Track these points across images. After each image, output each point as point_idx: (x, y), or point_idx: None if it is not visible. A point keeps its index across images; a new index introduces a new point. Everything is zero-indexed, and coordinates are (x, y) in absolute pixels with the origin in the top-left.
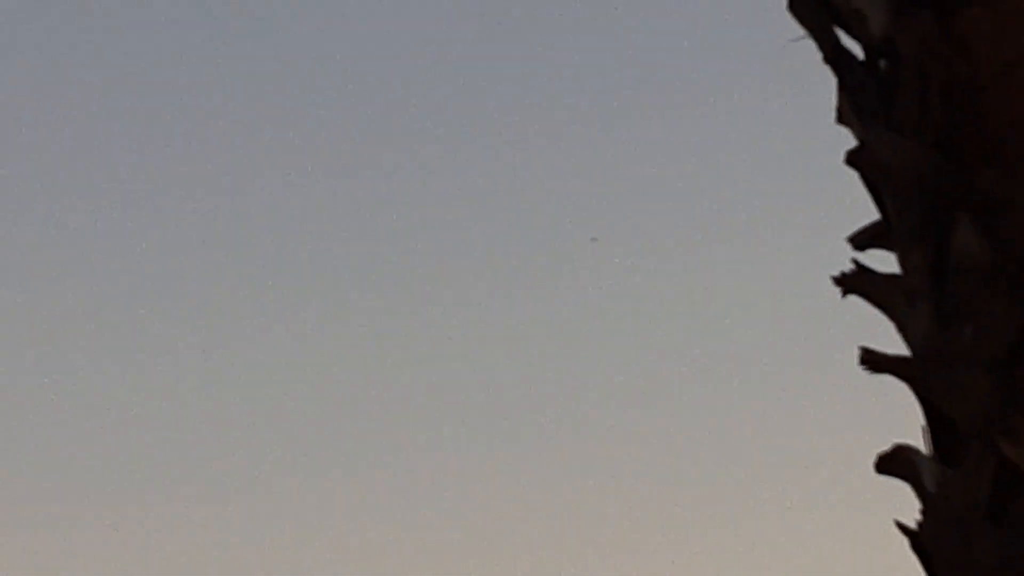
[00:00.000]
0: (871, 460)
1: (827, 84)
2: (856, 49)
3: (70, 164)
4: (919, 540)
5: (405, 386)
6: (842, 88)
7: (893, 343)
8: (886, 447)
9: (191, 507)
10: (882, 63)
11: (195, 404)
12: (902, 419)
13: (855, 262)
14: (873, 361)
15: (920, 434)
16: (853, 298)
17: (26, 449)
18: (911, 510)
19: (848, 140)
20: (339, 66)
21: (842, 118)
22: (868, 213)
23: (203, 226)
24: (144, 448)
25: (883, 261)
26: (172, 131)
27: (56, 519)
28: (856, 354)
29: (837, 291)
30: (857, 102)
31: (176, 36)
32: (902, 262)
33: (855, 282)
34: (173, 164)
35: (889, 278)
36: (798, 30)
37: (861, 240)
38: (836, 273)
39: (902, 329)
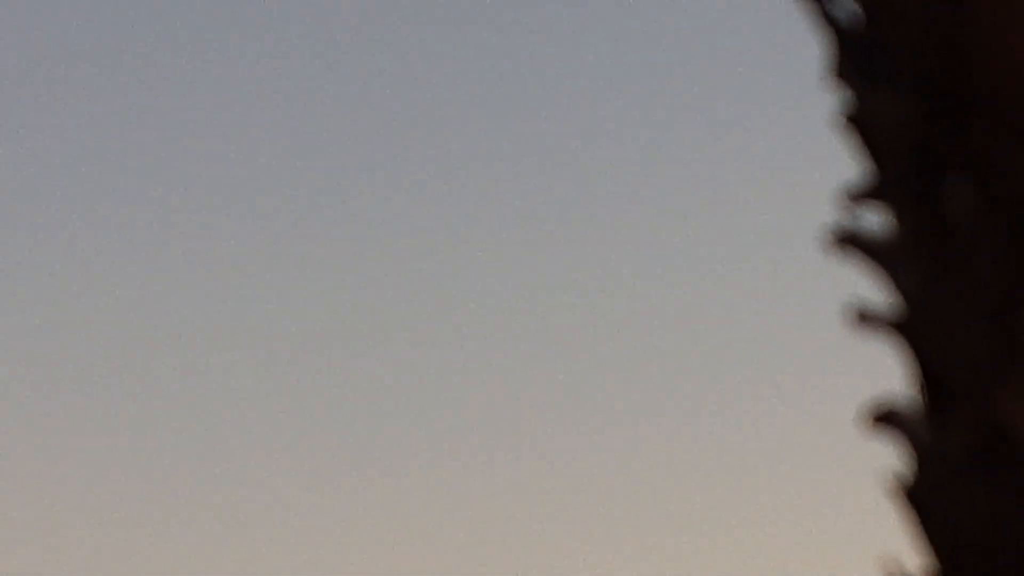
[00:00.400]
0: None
1: (818, 43)
2: (848, 5)
3: (70, 164)
4: (911, 498)
5: (405, 387)
6: (833, 46)
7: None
8: (870, 398)
9: (191, 507)
10: (872, 24)
11: (195, 404)
12: (890, 380)
13: (847, 220)
14: (867, 316)
15: (905, 397)
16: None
17: (26, 449)
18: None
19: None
20: (338, 66)
21: (833, 77)
22: (857, 174)
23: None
24: (144, 449)
25: (876, 220)
26: (171, 131)
27: (56, 519)
28: (842, 313)
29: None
30: (849, 59)
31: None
32: (895, 218)
33: (847, 238)
34: (172, 163)
35: (882, 234)
36: None
37: (856, 197)
38: (827, 229)
39: (895, 285)
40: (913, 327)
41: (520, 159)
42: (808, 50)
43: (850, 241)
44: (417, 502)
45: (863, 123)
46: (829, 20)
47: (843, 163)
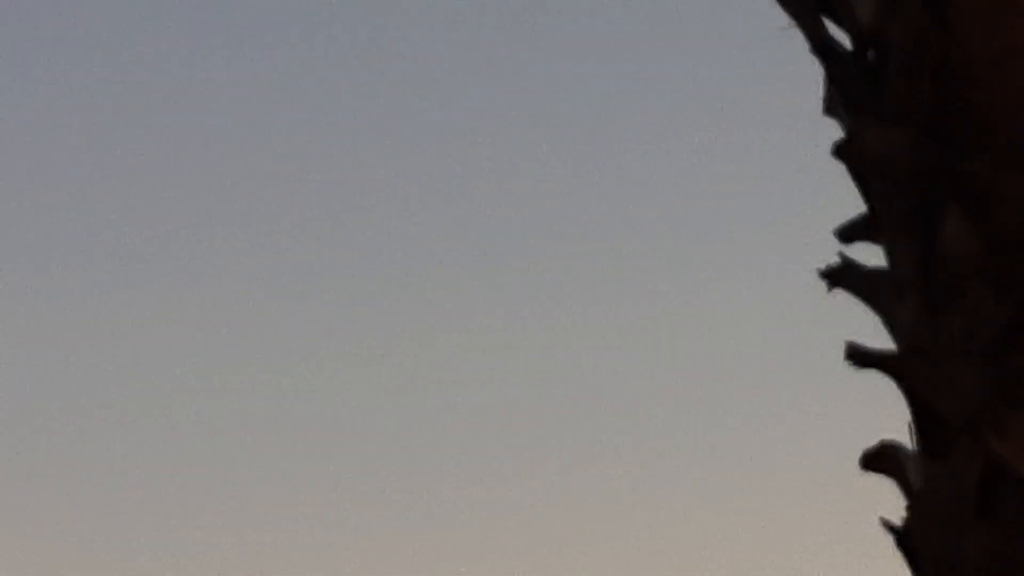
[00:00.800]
0: (855, 458)
1: (813, 76)
2: (844, 38)
3: (69, 163)
4: (905, 538)
5: (406, 387)
6: (830, 78)
7: (879, 340)
8: (871, 444)
9: (191, 507)
10: (870, 52)
11: (196, 404)
12: (887, 417)
13: (841, 255)
14: (859, 356)
15: (905, 431)
16: (839, 296)
17: (27, 449)
18: (896, 509)
19: (835, 132)
20: (340, 67)
21: (830, 109)
22: (854, 208)
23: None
24: (144, 448)
25: (870, 255)
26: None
27: (56, 519)
28: (841, 350)
29: (822, 288)
30: (845, 92)
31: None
32: (890, 254)
33: (841, 276)
34: (173, 162)
35: (876, 271)
36: (784, 20)
37: (848, 234)
38: (822, 267)
39: (889, 323)
40: (908, 365)
41: (522, 172)
42: (808, 82)
43: (844, 278)
44: (417, 503)
45: (856, 155)
46: (824, 51)
47: (842, 196)
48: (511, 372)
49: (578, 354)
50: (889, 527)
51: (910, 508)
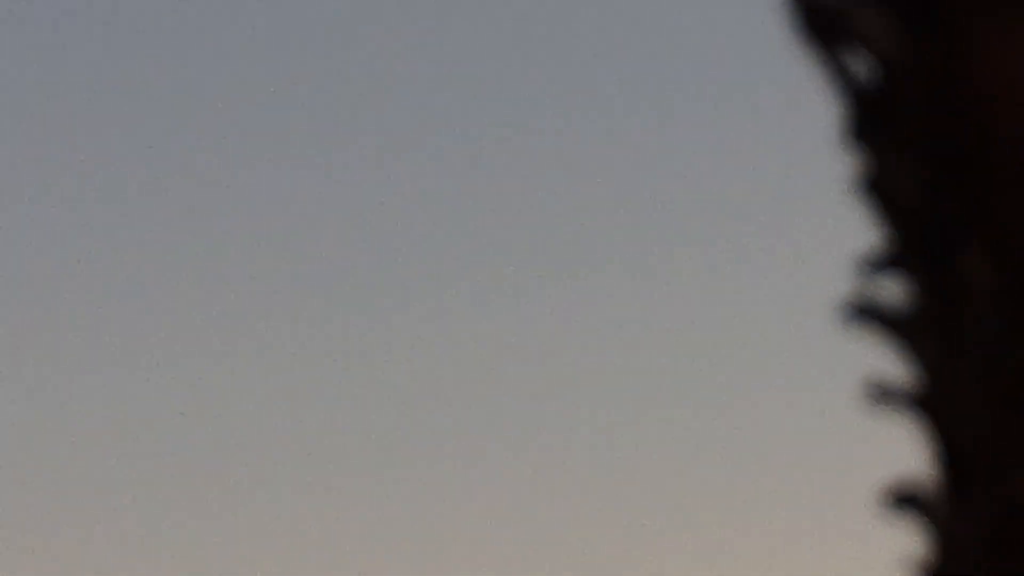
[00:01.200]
0: (868, 488)
1: (826, 107)
2: (862, 72)
3: (69, 163)
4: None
5: (407, 389)
6: (848, 112)
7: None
8: (888, 477)
9: (190, 507)
10: (890, 86)
11: (196, 403)
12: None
13: (861, 288)
14: (886, 393)
15: (920, 463)
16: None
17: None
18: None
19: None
20: (341, 65)
21: (847, 142)
22: (869, 239)
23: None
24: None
25: (889, 288)
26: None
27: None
28: (856, 382)
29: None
30: (864, 126)
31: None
32: (909, 288)
33: (865, 312)
34: (176, 161)
35: (895, 305)
36: (800, 52)
37: (866, 267)
38: (838, 301)
39: (915, 359)
40: (933, 403)
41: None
42: (818, 111)
43: (869, 313)
44: (417, 504)
45: (882, 188)
46: (845, 80)
47: (855, 230)
48: (512, 372)
49: (578, 354)
50: (920, 570)
51: (938, 551)
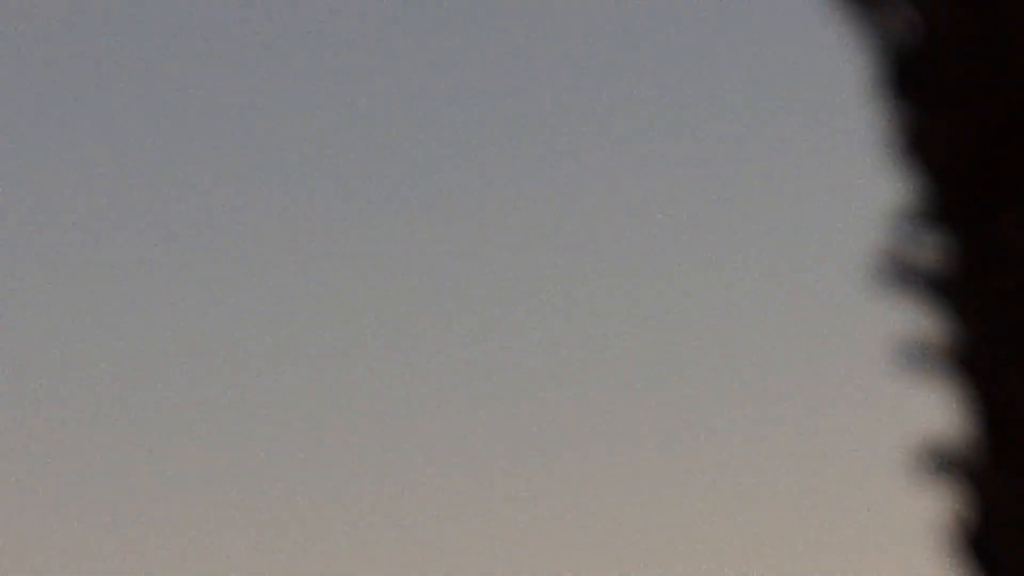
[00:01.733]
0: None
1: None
2: (901, 31)
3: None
4: (976, 545)
5: (408, 390)
6: (888, 70)
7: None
8: (921, 440)
9: (190, 508)
10: (931, 45)
11: (197, 403)
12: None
13: (894, 248)
14: (916, 353)
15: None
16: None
17: (27, 449)
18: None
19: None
20: (343, 72)
21: (885, 100)
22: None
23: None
24: (143, 448)
25: (921, 247)
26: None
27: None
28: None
29: (863, 270)
30: (904, 84)
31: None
32: (947, 246)
33: (896, 268)
34: (175, 162)
35: (932, 263)
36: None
37: (902, 225)
38: (871, 258)
39: (947, 317)
40: (973, 363)
41: (537, 175)
42: (841, 67)
43: (906, 270)
44: (416, 504)
45: (922, 146)
46: (886, 39)
47: (881, 186)
48: (514, 371)
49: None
50: (963, 531)
51: (981, 513)
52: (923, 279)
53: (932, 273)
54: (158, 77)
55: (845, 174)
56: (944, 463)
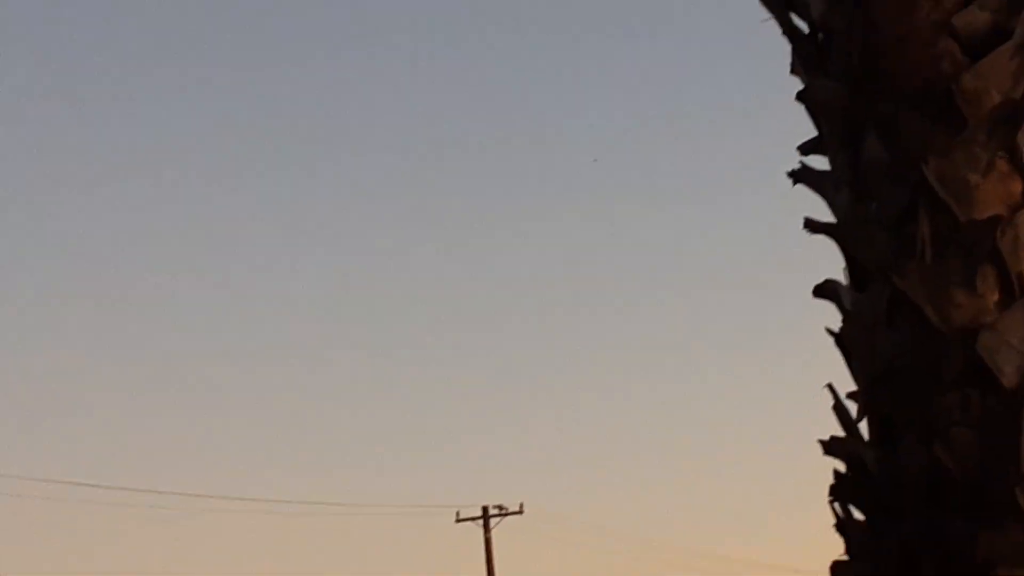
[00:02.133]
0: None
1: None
2: (803, 25)
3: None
4: (841, 338)
5: (408, 391)
6: (794, 51)
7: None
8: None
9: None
10: (820, 34)
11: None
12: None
13: (802, 163)
14: (813, 225)
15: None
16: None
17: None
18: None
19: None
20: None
21: (794, 71)
22: (808, 134)
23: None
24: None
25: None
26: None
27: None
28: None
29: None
30: (803, 60)
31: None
32: (831, 162)
33: (802, 175)
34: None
35: (824, 172)
36: (764, 15)
37: (806, 149)
38: (789, 170)
39: (831, 205)
40: (844, 232)
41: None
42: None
43: (804, 177)
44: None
45: (811, 100)
46: (791, 34)
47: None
48: (515, 372)
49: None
50: (834, 334)
51: (844, 321)
52: (818, 181)
53: (823, 177)
54: (158, 76)
55: (780, 125)
56: (829, 291)
